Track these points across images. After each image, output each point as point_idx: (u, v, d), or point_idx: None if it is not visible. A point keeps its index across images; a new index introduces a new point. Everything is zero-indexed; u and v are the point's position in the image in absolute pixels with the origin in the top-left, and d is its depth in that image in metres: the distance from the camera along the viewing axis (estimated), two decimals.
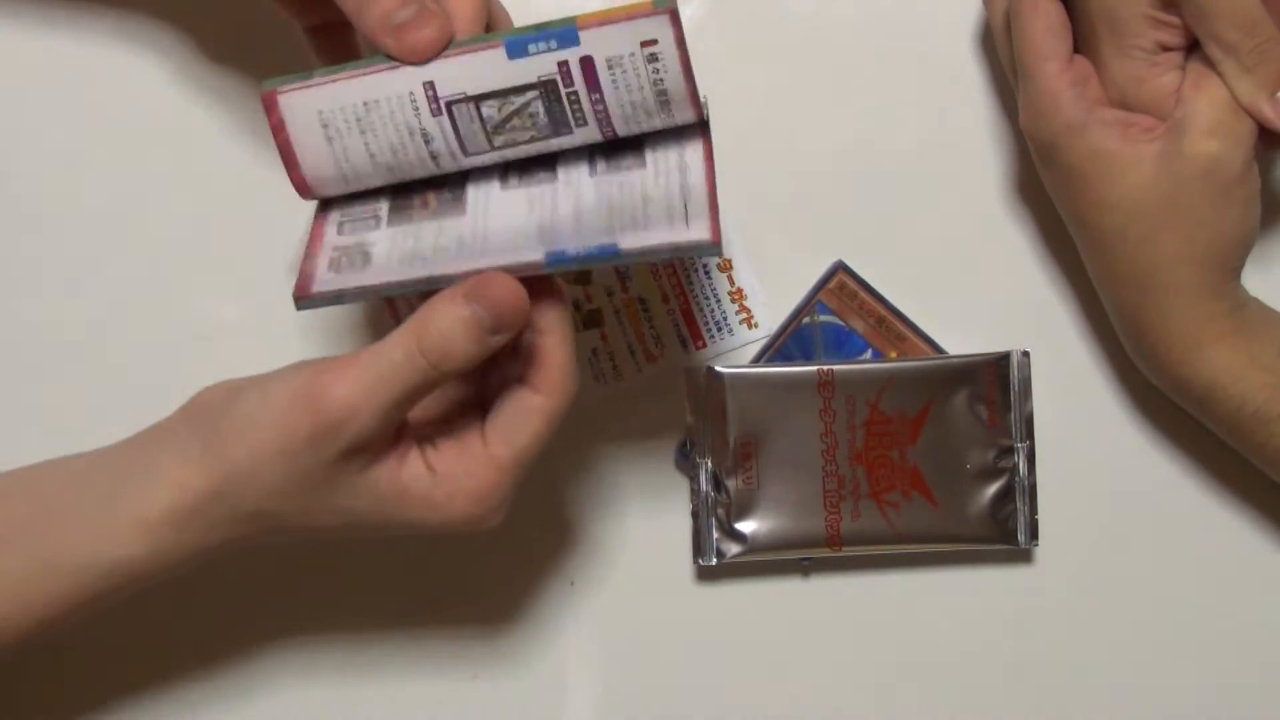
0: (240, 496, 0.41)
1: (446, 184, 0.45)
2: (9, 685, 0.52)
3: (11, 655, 0.43)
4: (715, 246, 0.41)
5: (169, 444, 0.43)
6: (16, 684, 0.52)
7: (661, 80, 0.42)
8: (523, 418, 0.42)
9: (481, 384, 0.45)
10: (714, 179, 0.43)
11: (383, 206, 0.44)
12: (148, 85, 0.53)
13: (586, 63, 0.42)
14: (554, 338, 0.42)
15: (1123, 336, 0.51)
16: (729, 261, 0.53)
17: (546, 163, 0.44)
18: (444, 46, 0.41)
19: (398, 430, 0.42)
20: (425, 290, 0.41)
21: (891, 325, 0.53)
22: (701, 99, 0.43)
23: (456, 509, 0.42)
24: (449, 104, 0.42)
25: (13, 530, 0.43)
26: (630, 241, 0.41)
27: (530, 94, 0.42)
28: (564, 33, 0.41)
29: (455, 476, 0.42)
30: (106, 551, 0.42)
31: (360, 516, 0.42)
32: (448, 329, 0.39)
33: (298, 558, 0.51)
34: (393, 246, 0.43)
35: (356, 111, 0.42)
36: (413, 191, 0.45)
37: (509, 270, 0.40)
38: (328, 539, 0.44)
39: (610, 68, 0.42)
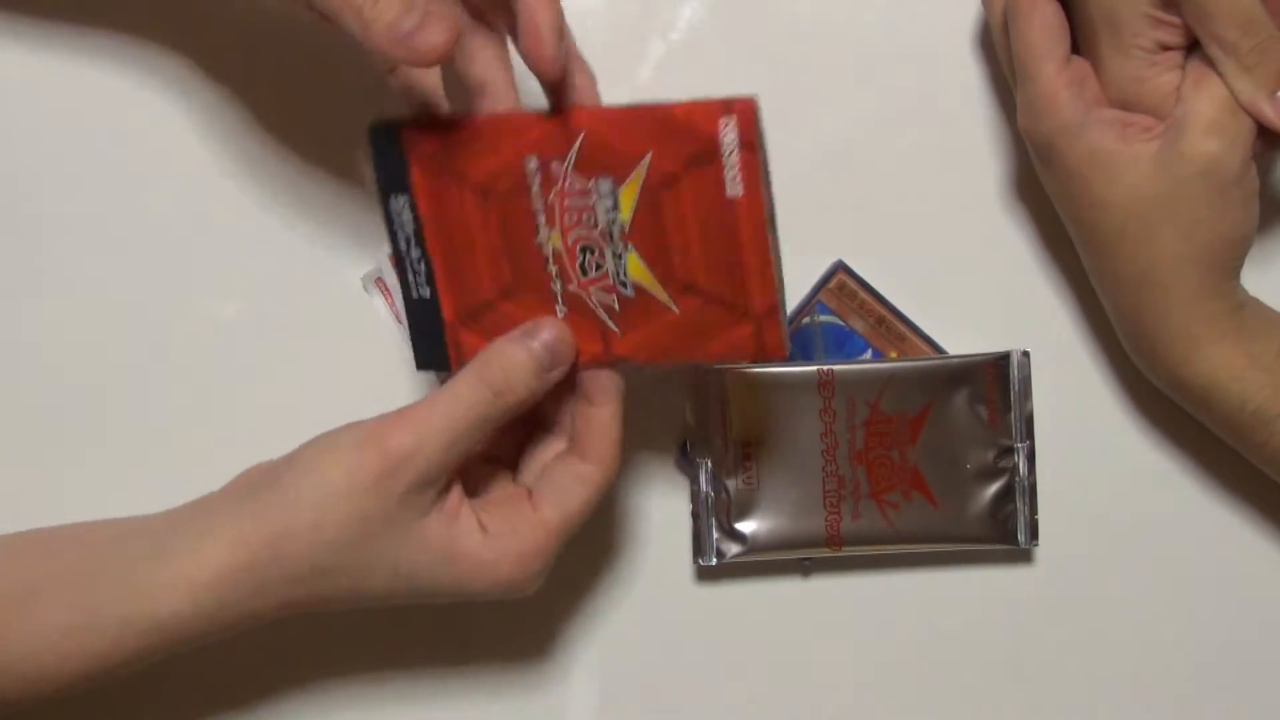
0: (296, 552, 0.42)
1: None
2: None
3: (44, 708, 0.43)
4: (780, 356, 0.43)
5: (222, 507, 0.43)
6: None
7: None
8: (574, 485, 0.44)
9: (515, 447, 0.47)
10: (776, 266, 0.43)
11: None
12: (148, 91, 0.53)
13: None
14: (609, 410, 0.44)
15: (1122, 336, 0.51)
16: None
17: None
18: (455, 43, 0.40)
19: (450, 483, 0.43)
20: None
21: (891, 325, 0.53)
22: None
23: (502, 571, 0.43)
24: None
25: (56, 581, 0.43)
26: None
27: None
28: None
29: (504, 536, 0.43)
30: (150, 609, 0.42)
31: (409, 575, 0.43)
32: (509, 364, 0.42)
33: None
34: None
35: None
36: None
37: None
38: (371, 606, 0.44)
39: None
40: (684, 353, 0.43)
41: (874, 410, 0.52)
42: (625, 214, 0.42)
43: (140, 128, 0.53)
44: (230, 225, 0.53)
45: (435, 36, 0.40)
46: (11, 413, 0.53)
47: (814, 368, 0.51)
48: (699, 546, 0.52)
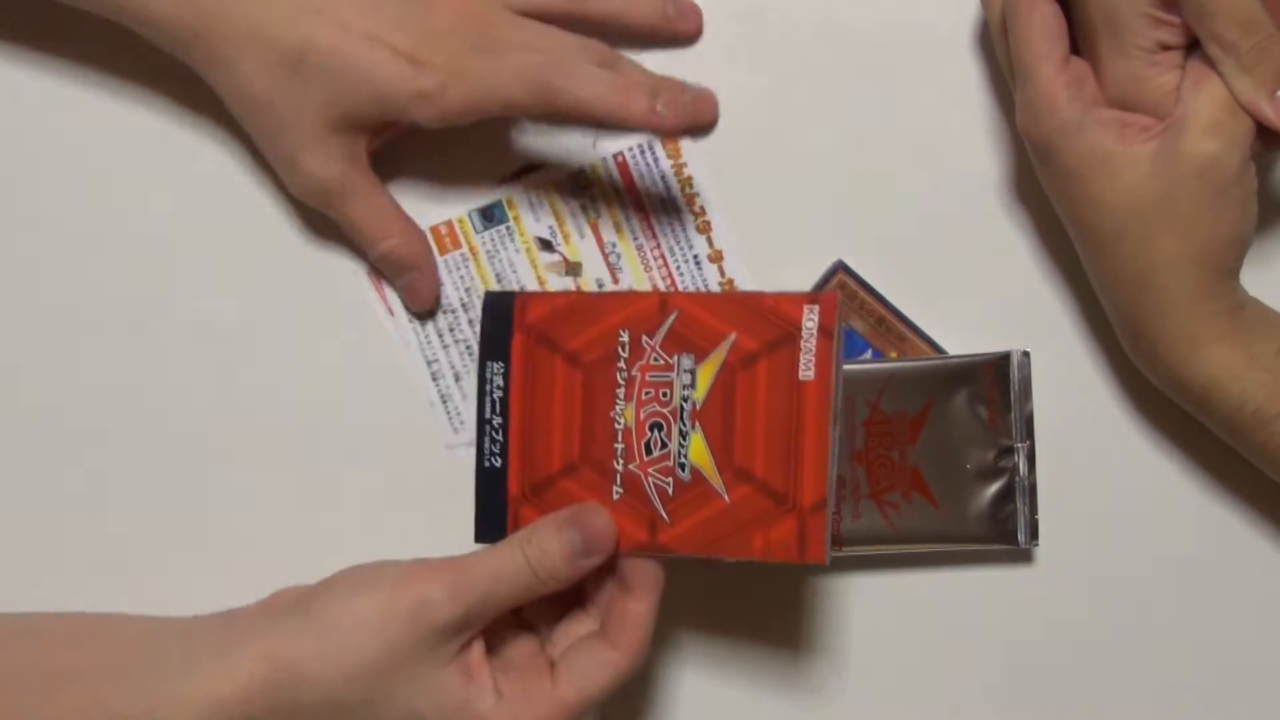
0: (317, 679, 0.42)
1: None
2: None
3: None
4: (819, 562, 0.44)
5: (253, 624, 0.44)
6: None
7: None
8: (597, 670, 0.44)
9: (548, 614, 0.47)
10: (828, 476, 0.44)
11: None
12: (147, 91, 0.53)
13: None
14: (645, 604, 0.45)
15: (1122, 337, 0.51)
16: (720, 252, 0.53)
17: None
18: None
19: (474, 639, 0.44)
20: None
21: (891, 325, 0.53)
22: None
23: None
24: None
25: (80, 675, 0.43)
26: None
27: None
28: None
29: (518, 704, 0.44)
30: (169, 718, 0.42)
31: None
32: (548, 547, 0.44)
33: None
34: None
35: None
36: None
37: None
38: None
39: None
40: (726, 548, 0.45)
41: (874, 410, 0.51)
42: (700, 391, 0.45)
43: (139, 127, 0.53)
44: (230, 225, 0.53)
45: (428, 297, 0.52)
46: (10, 412, 0.53)
47: None
48: None
